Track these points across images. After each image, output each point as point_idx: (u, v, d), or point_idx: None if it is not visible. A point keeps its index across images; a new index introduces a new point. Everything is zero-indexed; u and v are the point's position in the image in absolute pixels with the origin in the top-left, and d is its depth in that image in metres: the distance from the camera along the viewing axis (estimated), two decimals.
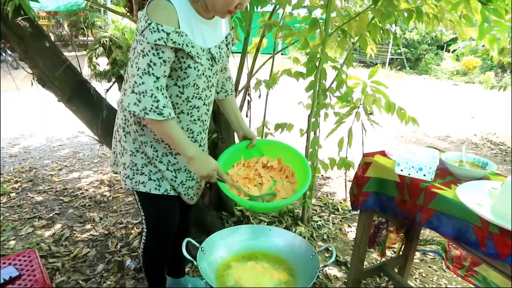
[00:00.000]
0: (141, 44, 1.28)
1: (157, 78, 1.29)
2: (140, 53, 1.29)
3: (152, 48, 1.26)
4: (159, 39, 1.25)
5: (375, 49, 2.79)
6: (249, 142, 1.71)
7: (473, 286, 1.88)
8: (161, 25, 1.25)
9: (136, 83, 1.30)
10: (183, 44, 1.30)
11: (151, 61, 1.27)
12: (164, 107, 1.30)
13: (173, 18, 1.29)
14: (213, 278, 1.36)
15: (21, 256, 1.63)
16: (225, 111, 1.79)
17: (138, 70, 1.29)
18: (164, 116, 1.30)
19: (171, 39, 1.27)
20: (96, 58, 2.20)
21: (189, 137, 1.55)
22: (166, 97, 1.33)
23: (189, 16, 1.34)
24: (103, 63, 2.26)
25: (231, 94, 1.76)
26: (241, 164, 1.67)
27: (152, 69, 1.28)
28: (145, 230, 1.67)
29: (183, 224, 1.82)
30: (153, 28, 1.24)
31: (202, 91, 1.49)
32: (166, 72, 1.33)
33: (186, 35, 1.32)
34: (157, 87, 1.29)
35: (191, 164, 1.42)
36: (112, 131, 1.63)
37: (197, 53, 1.38)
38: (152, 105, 1.28)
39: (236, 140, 1.89)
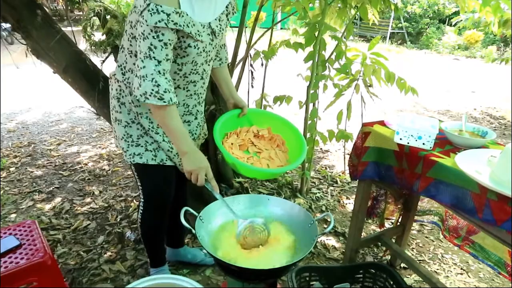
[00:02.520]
0: (141, 26, 1.24)
1: (159, 62, 1.26)
2: (141, 36, 1.25)
3: (151, 31, 1.22)
4: (159, 21, 1.20)
5: (377, 15, 2.72)
6: (240, 111, 1.69)
7: (468, 255, 1.91)
8: (161, 6, 1.19)
9: (138, 66, 1.28)
10: (184, 25, 1.26)
11: (151, 44, 1.24)
12: (165, 92, 1.27)
13: None
14: (211, 246, 1.37)
15: (21, 227, 1.63)
16: (216, 80, 1.77)
17: (140, 53, 1.27)
18: (164, 102, 1.28)
19: (172, 21, 1.22)
20: (91, 29, 2.15)
21: (184, 110, 1.54)
22: (169, 82, 1.30)
23: None
24: (98, 37, 2.21)
25: (225, 62, 1.73)
26: (234, 134, 1.67)
27: (153, 52, 1.24)
28: (142, 200, 1.68)
29: (181, 193, 1.83)
30: (152, 9, 1.19)
31: (200, 66, 1.47)
32: (169, 55, 1.29)
33: (187, 14, 1.28)
34: (159, 71, 1.26)
35: (183, 157, 1.38)
36: (109, 102, 1.61)
37: (198, 31, 1.34)
38: (153, 90, 1.26)
39: None
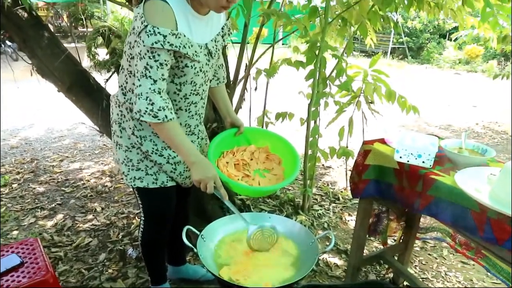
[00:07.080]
0: (138, 46, 1.28)
1: (154, 81, 1.29)
2: (138, 55, 1.29)
3: (148, 51, 1.26)
4: (155, 42, 1.24)
5: (374, 38, 2.76)
6: (237, 130, 1.72)
7: (471, 272, 1.89)
8: (158, 28, 1.23)
9: (134, 85, 1.31)
10: (180, 46, 1.30)
11: (147, 64, 1.27)
12: (159, 109, 1.29)
13: (170, 19, 1.27)
14: (213, 265, 1.37)
15: (23, 245, 1.64)
16: (214, 98, 1.80)
17: (137, 72, 1.30)
18: (159, 119, 1.30)
19: (168, 42, 1.26)
20: (95, 48, 2.19)
21: (186, 131, 1.56)
22: (165, 100, 1.32)
23: (186, 14, 1.33)
24: (102, 54, 2.25)
25: (223, 81, 1.77)
26: (230, 153, 1.68)
27: (149, 71, 1.28)
28: (143, 219, 1.69)
29: (182, 210, 1.84)
30: (150, 31, 1.23)
31: (199, 87, 1.50)
32: (165, 75, 1.32)
33: (184, 36, 1.31)
34: (154, 90, 1.29)
35: (191, 167, 1.39)
36: None
37: (195, 52, 1.38)
38: (147, 108, 1.29)
39: None
